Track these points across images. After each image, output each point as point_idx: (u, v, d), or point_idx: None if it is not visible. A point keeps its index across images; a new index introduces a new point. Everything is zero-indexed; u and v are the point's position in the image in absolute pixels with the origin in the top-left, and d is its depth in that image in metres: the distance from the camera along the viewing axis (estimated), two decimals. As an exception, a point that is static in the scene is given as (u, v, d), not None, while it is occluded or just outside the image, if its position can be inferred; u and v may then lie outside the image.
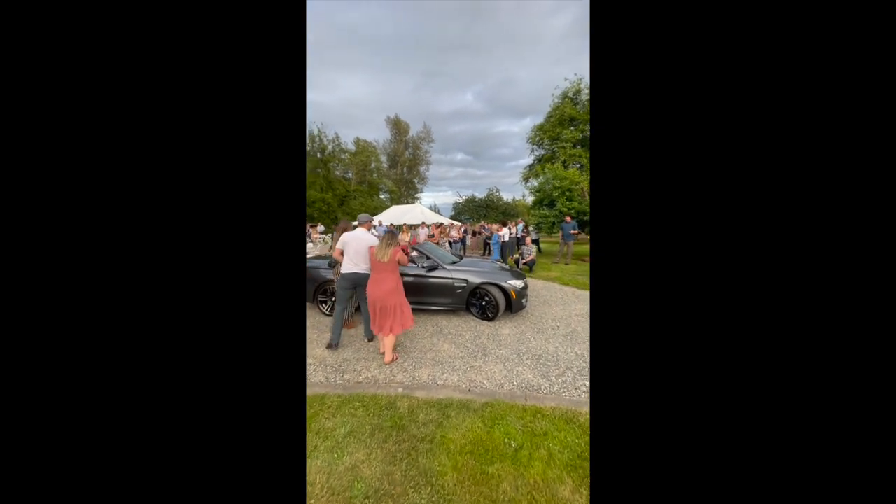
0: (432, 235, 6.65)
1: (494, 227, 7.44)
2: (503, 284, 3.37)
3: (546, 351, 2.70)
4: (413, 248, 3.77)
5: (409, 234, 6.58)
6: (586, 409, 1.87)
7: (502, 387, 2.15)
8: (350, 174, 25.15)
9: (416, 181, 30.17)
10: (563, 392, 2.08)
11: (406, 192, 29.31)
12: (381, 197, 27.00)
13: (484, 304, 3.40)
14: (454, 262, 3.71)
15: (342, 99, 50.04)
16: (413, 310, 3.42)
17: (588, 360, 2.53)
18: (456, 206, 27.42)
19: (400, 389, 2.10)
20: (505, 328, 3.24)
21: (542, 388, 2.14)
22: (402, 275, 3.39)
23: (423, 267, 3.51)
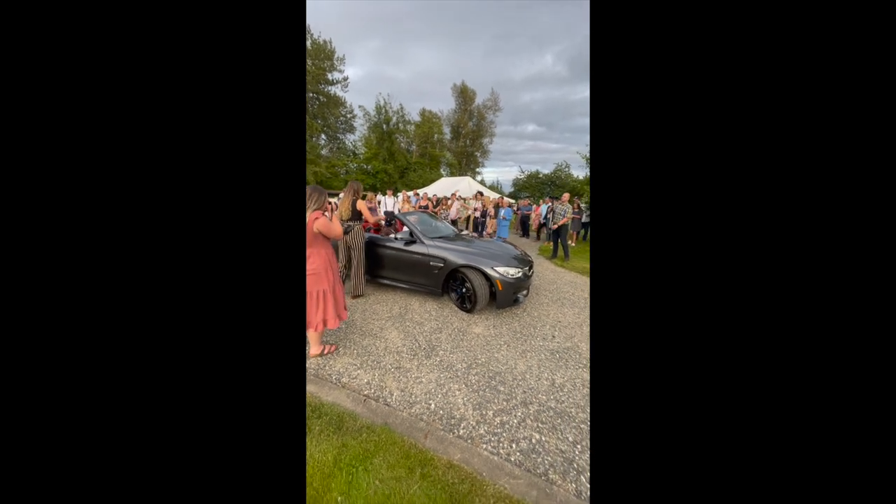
0: (425, 207, 5.93)
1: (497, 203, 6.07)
2: (487, 271, 2.58)
3: (511, 369, 1.92)
4: (391, 217, 3.25)
5: (376, 199, 5.94)
6: (503, 483, 1.13)
7: (412, 406, 1.56)
8: (413, 146, 25.33)
9: (477, 154, 28.42)
10: (488, 440, 1.36)
11: (466, 165, 28.12)
12: (442, 171, 26.63)
13: (463, 291, 2.72)
14: (441, 237, 3.06)
15: (414, 72, 49.50)
16: (388, 286, 3.03)
17: (566, 401, 1.66)
18: (516, 183, 25.01)
19: (295, 377, 1.73)
20: (480, 325, 2.53)
21: (465, 423, 1.46)
22: (381, 245, 3.02)
23: (397, 238, 2.98)
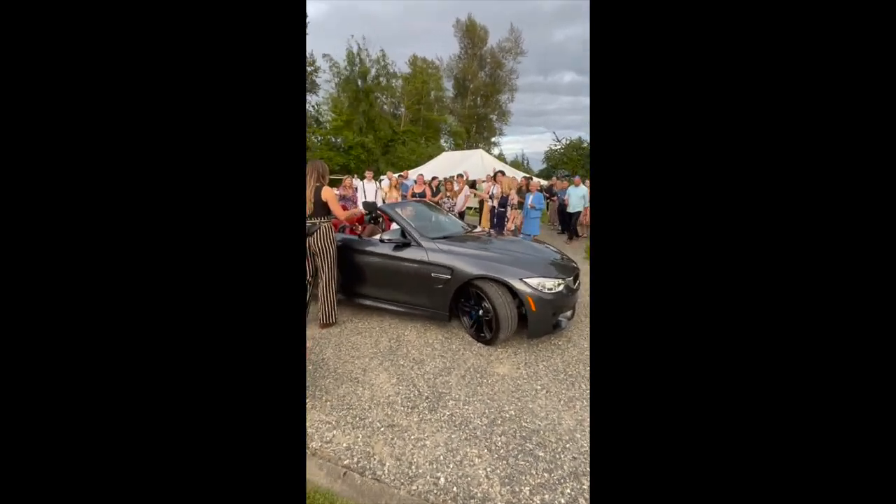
0: (422, 195, 6.08)
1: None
2: (514, 284, 2.60)
3: (553, 426, 1.93)
4: (373, 211, 3.30)
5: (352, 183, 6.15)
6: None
7: (413, 481, 1.57)
8: (401, 109, 25.76)
9: (493, 118, 28.83)
10: (527, 529, 1.36)
11: (477, 133, 28.44)
12: (443, 143, 26.96)
13: (480, 313, 2.75)
14: (445, 237, 3.12)
15: (401, 6, 50.14)
16: (371, 309, 3.06)
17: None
18: (550, 156, 25.17)
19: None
20: (506, 362, 2.54)
21: (491, 505, 1.46)
22: (361, 251, 3.13)
23: (384, 240, 3.03)
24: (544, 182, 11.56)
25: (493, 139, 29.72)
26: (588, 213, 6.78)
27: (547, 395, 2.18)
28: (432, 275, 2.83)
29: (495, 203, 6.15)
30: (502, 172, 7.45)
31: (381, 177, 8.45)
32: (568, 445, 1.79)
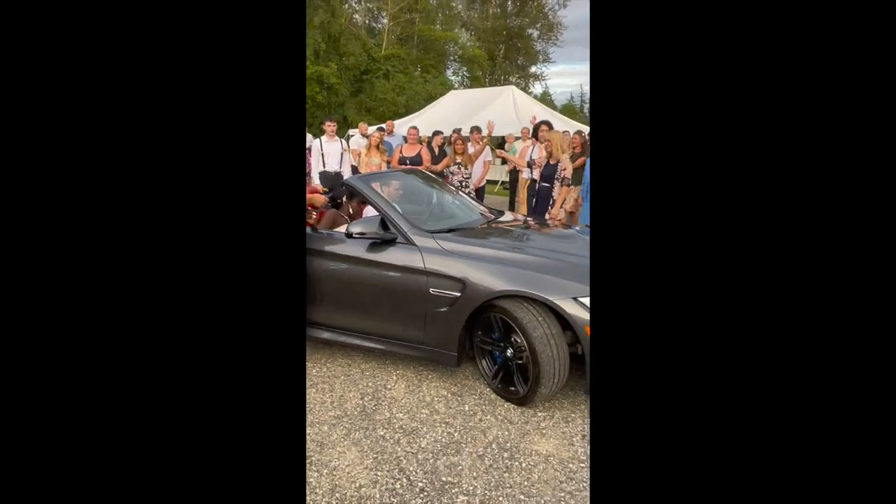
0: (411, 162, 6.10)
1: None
2: (564, 306, 2.54)
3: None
4: (334, 186, 3.25)
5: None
6: None
7: None
8: (383, 21, 25.66)
9: (532, 34, 28.52)
10: None
11: (506, 61, 28.24)
12: (449, 76, 26.93)
13: (509, 353, 2.74)
14: (453, 230, 3.15)
15: None
16: (333, 346, 3.31)
17: None
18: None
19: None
20: (551, 434, 2.51)
21: None
22: (318, 253, 3.24)
23: (354, 235, 2.99)
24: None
25: (532, 69, 29.55)
26: None
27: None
28: (432, 291, 2.81)
29: (535, 174, 6.09)
30: (548, 124, 7.38)
31: (351, 131, 8.47)
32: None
